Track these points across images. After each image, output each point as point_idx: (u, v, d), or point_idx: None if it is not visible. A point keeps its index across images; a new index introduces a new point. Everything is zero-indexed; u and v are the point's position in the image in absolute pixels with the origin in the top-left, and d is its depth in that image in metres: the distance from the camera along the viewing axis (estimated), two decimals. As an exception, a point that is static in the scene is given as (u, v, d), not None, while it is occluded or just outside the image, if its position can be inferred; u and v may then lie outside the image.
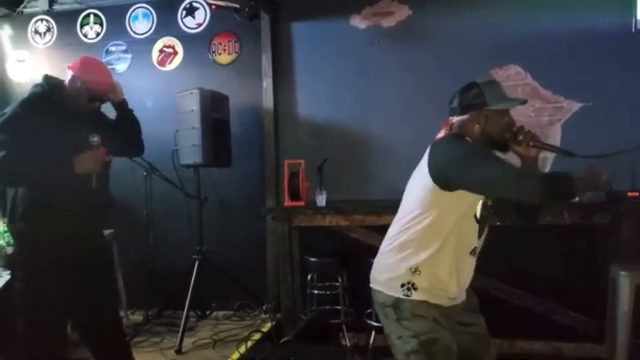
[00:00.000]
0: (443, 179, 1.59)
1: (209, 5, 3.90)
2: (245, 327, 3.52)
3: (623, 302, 2.72)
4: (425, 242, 1.64)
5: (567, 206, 2.93)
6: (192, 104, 3.47)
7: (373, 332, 3.12)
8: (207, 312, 3.82)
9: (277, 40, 3.87)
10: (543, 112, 3.39)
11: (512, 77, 3.41)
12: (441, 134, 1.76)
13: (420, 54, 3.61)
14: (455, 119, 1.72)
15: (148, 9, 4.16)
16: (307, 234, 3.47)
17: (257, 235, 3.90)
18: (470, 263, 1.72)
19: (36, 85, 2.13)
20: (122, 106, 2.33)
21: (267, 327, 3.46)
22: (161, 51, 4.14)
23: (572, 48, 3.33)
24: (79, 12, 4.28)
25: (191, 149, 3.47)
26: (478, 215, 1.66)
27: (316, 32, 3.84)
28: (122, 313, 3.43)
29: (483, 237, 1.73)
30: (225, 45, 4.02)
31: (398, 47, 3.65)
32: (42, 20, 4.37)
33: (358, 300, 3.31)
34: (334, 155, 3.52)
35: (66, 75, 2.17)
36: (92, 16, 4.27)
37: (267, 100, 3.88)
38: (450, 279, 1.66)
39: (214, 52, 4.04)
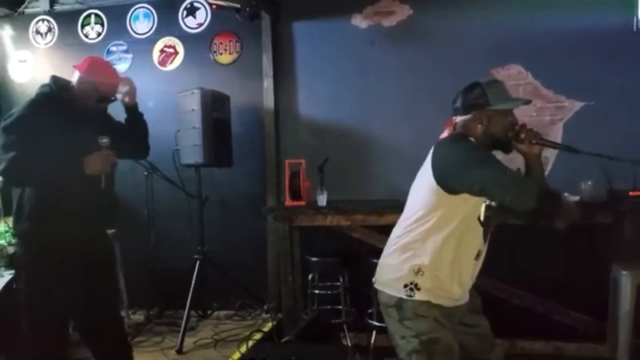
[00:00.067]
0: (445, 181, 1.60)
1: (210, 5, 3.90)
2: (247, 327, 3.52)
3: (625, 301, 2.72)
4: (428, 243, 1.65)
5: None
6: (193, 103, 3.48)
7: (374, 332, 3.11)
8: (208, 312, 3.82)
9: (278, 40, 3.87)
10: (544, 112, 3.39)
11: (513, 76, 3.40)
12: (444, 134, 1.76)
13: (421, 53, 3.60)
14: (459, 119, 1.73)
15: (149, 9, 4.16)
16: (308, 234, 3.47)
17: (258, 235, 3.90)
18: (474, 266, 1.72)
19: (44, 86, 2.13)
20: (134, 109, 2.33)
21: (268, 326, 3.46)
22: (162, 51, 4.14)
23: (573, 47, 3.32)
24: (80, 12, 4.29)
25: (192, 149, 3.47)
26: (482, 217, 1.66)
27: (317, 31, 3.84)
28: (123, 313, 3.43)
29: (487, 239, 1.73)
30: (226, 45, 4.03)
31: (399, 46, 3.65)
32: (43, 20, 4.37)
33: (359, 300, 3.31)
34: (334, 155, 3.52)
35: (71, 76, 2.17)
36: (93, 16, 4.28)
37: (268, 100, 3.88)
38: (452, 280, 1.66)
39: (214, 52, 4.04)
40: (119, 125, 2.31)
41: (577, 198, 2.98)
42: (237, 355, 2.97)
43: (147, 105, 3.93)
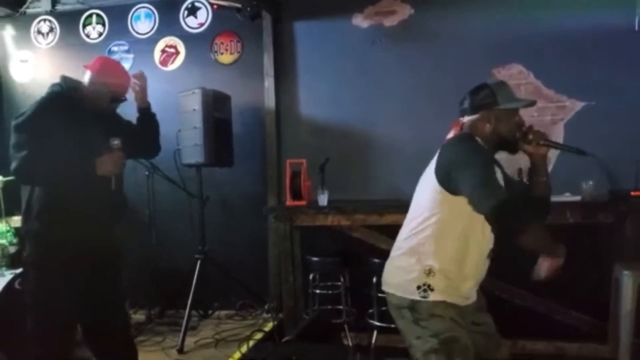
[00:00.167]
0: (445, 181, 1.61)
1: (211, 5, 3.90)
2: (247, 327, 3.52)
3: (626, 301, 2.71)
4: (437, 244, 1.65)
5: (569, 206, 2.92)
6: (194, 103, 3.48)
7: (375, 332, 3.11)
8: (209, 312, 3.82)
9: (279, 39, 3.87)
10: (546, 112, 3.38)
11: (514, 76, 3.40)
12: (451, 135, 1.77)
13: (422, 53, 3.60)
14: (466, 119, 1.73)
15: (150, 9, 4.17)
16: (309, 234, 3.47)
17: (259, 235, 3.90)
18: (484, 264, 1.73)
19: (54, 85, 2.13)
20: (146, 110, 2.32)
21: (269, 326, 3.46)
22: (163, 51, 4.14)
23: (574, 47, 3.31)
24: (82, 12, 4.29)
25: (193, 149, 3.47)
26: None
27: (318, 31, 3.84)
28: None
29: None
30: (227, 45, 4.03)
31: (400, 46, 3.65)
32: (44, 20, 4.38)
33: (360, 300, 3.31)
34: (335, 155, 3.52)
35: (78, 75, 2.17)
36: (94, 16, 4.28)
37: (269, 100, 3.88)
38: (464, 279, 1.67)
39: (216, 51, 4.04)
40: (128, 125, 2.30)
41: (578, 198, 2.98)
42: (237, 354, 2.97)
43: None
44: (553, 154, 3.22)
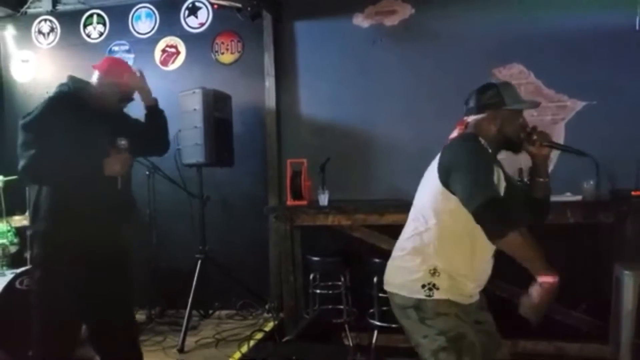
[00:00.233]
0: (446, 181, 1.61)
1: (212, 4, 3.90)
2: (248, 327, 3.52)
3: (627, 301, 2.70)
4: (441, 244, 1.64)
5: (570, 205, 2.92)
6: (194, 103, 3.48)
7: (375, 332, 3.11)
8: (210, 312, 3.82)
9: (279, 39, 3.87)
10: (546, 111, 3.38)
11: (515, 75, 3.39)
12: (454, 134, 1.77)
13: (423, 53, 3.60)
14: (471, 118, 1.73)
15: (151, 9, 4.17)
16: (309, 234, 3.47)
17: (259, 235, 3.91)
18: (489, 263, 1.72)
19: (62, 85, 2.13)
20: (154, 107, 2.30)
21: (269, 326, 3.46)
22: (164, 51, 4.15)
23: (575, 46, 3.31)
24: (82, 12, 4.30)
25: (194, 149, 3.47)
26: None
27: (319, 31, 3.84)
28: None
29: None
30: (227, 45, 4.03)
31: (401, 46, 3.65)
32: (45, 20, 4.39)
33: (360, 300, 3.31)
34: (336, 155, 3.51)
35: (83, 75, 2.17)
36: (95, 16, 4.29)
37: (270, 100, 3.88)
38: (468, 278, 1.67)
39: (216, 51, 4.04)
40: (136, 124, 2.29)
41: (579, 198, 2.97)
42: (238, 354, 2.97)
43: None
44: (554, 154, 3.20)
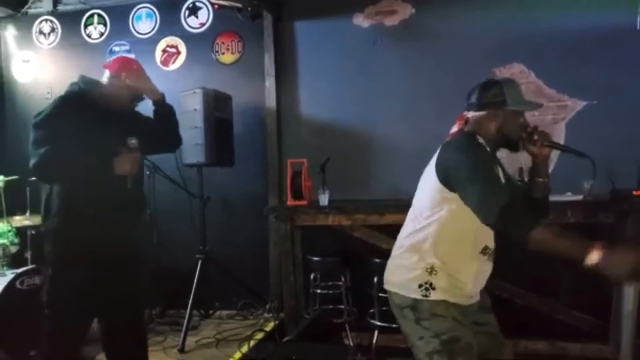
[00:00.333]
0: (447, 182, 1.61)
1: (212, 4, 3.90)
2: (248, 327, 3.52)
3: (628, 301, 2.70)
4: (439, 242, 1.64)
5: (570, 205, 2.92)
6: (195, 103, 3.48)
7: (376, 332, 3.11)
8: (210, 312, 3.82)
9: (279, 39, 3.88)
10: (547, 111, 3.37)
11: (515, 75, 3.38)
12: (454, 129, 1.76)
13: (423, 52, 3.60)
14: (472, 115, 1.72)
15: (151, 9, 4.18)
16: (309, 234, 3.46)
17: (259, 235, 3.91)
18: (485, 263, 1.71)
19: (73, 84, 2.14)
20: (161, 103, 2.29)
21: (269, 326, 3.46)
22: (164, 51, 4.15)
23: (576, 46, 3.31)
24: (83, 12, 4.31)
25: (194, 149, 3.47)
26: None
27: (319, 31, 3.84)
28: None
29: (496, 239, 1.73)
30: (228, 45, 4.03)
31: (401, 46, 3.65)
32: (46, 20, 4.39)
33: (361, 300, 3.30)
34: (336, 155, 3.51)
35: (99, 75, 2.17)
36: (95, 16, 4.29)
37: (270, 100, 3.88)
38: (467, 278, 1.66)
39: (217, 51, 4.04)
40: (148, 122, 2.29)
41: (579, 197, 2.97)
42: (238, 354, 2.97)
43: (150, 104, 3.96)
44: (554, 154, 3.20)
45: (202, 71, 4.02)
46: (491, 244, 1.70)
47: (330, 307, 3.35)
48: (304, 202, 3.37)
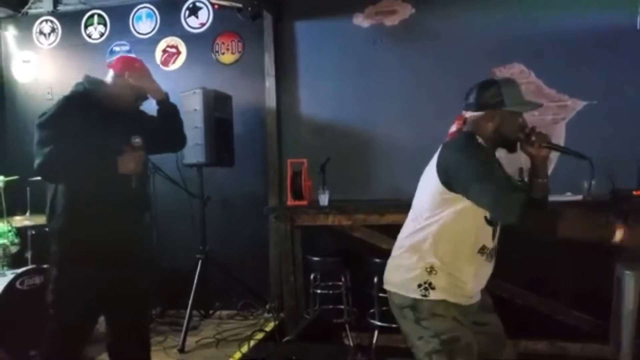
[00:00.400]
0: (448, 183, 1.61)
1: (212, 4, 3.91)
2: (248, 327, 3.52)
3: (628, 301, 2.69)
4: (439, 241, 1.64)
5: (570, 205, 2.91)
6: (195, 103, 3.48)
7: (376, 332, 3.11)
8: (210, 312, 3.82)
9: (279, 39, 3.88)
10: (547, 111, 3.37)
11: (515, 75, 3.38)
12: (453, 128, 1.77)
13: (423, 52, 3.60)
14: (470, 115, 1.72)
15: (151, 9, 4.18)
16: (309, 234, 3.46)
17: (260, 235, 3.91)
18: (484, 262, 1.71)
19: (77, 84, 2.14)
20: (165, 102, 2.29)
21: (270, 326, 3.46)
22: (164, 51, 4.15)
23: (576, 46, 3.31)
24: (83, 12, 4.31)
25: (194, 149, 3.47)
26: (489, 216, 1.66)
27: (319, 31, 3.84)
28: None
29: (496, 238, 1.73)
30: (228, 45, 4.03)
31: (401, 46, 3.65)
32: (46, 21, 4.40)
33: (361, 300, 3.30)
34: (336, 155, 3.51)
35: (103, 75, 2.17)
36: (96, 17, 4.30)
37: (270, 100, 3.88)
38: (467, 278, 1.66)
39: (217, 51, 4.05)
40: (151, 121, 2.28)
41: (579, 197, 2.97)
42: (238, 354, 2.97)
43: (150, 105, 3.96)
44: (554, 154, 3.21)
45: (202, 71, 4.02)
46: (489, 244, 1.70)
47: (330, 307, 3.35)
48: (304, 202, 3.37)
